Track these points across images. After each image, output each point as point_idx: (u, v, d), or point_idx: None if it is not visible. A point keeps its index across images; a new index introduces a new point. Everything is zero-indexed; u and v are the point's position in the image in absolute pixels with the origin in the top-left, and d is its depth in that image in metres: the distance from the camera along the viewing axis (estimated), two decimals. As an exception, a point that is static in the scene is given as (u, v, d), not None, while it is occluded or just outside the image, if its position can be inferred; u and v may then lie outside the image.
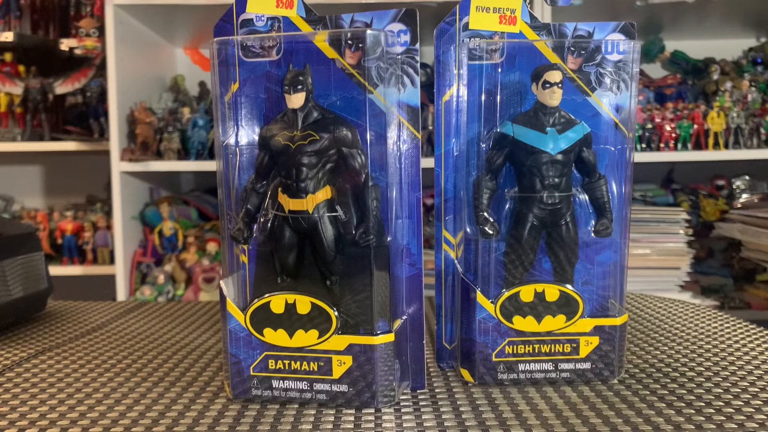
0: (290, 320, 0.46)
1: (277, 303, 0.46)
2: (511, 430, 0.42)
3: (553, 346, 0.50)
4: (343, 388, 0.46)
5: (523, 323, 0.49)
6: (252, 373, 0.47)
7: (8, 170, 2.07)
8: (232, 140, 0.48)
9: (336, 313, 0.45)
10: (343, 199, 0.46)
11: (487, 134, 0.51)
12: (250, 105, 0.48)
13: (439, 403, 0.47)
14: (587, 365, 0.50)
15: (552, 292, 0.49)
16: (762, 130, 1.68)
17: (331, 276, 0.47)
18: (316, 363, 0.46)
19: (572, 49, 0.50)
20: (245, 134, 0.48)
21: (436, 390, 0.50)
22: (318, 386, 0.46)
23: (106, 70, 1.63)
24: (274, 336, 0.46)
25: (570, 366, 0.50)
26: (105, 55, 1.64)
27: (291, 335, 0.46)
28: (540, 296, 0.49)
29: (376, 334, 0.45)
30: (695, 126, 1.67)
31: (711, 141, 1.67)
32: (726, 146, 1.68)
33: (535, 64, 0.50)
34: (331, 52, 0.46)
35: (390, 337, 0.46)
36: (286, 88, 0.46)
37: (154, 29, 1.82)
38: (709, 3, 1.63)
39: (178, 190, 1.99)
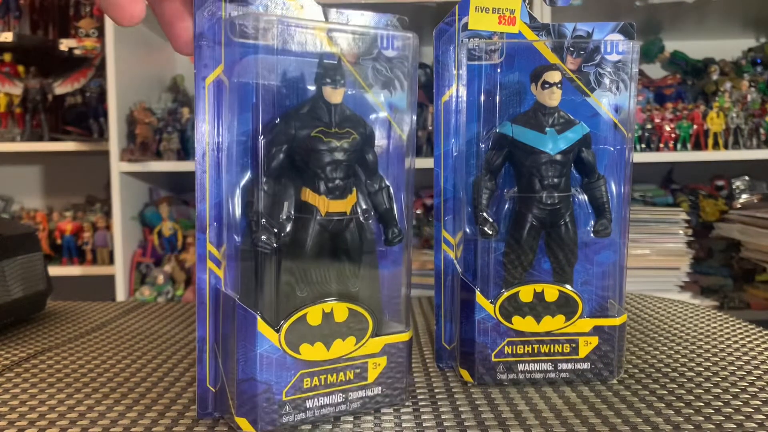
0: (328, 331, 0.43)
1: (314, 314, 0.42)
2: (510, 430, 0.42)
3: (552, 346, 0.50)
4: (377, 390, 0.45)
5: (523, 323, 0.49)
6: (284, 398, 0.42)
7: (7, 170, 2.07)
8: (208, 132, 0.42)
9: (372, 316, 0.44)
10: (359, 199, 0.45)
11: (486, 134, 0.51)
12: (237, 92, 0.42)
13: (439, 403, 0.47)
14: (586, 365, 0.50)
15: (551, 293, 0.50)
16: (761, 131, 1.69)
17: (353, 278, 0.45)
18: (352, 371, 0.44)
19: (571, 49, 0.50)
20: (228, 127, 0.42)
21: (436, 390, 0.50)
22: (353, 395, 0.44)
23: (106, 70, 1.63)
24: (311, 351, 0.42)
25: (569, 366, 0.50)
26: (104, 55, 1.64)
27: (329, 347, 0.43)
28: (539, 296, 0.49)
29: (405, 331, 0.46)
30: (695, 126, 1.68)
31: (710, 141, 1.67)
32: (725, 146, 1.68)
33: (535, 64, 0.50)
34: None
35: (411, 332, 0.46)
36: (329, 81, 0.43)
37: (154, 29, 1.82)
38: (708, 3, 1.64)
39: (177, 190, 1.99)
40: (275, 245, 0.42)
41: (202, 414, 0.44)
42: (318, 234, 0.43)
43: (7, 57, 1.82)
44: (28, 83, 1.76)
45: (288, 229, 0.43)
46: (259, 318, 0.41)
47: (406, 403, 0.47)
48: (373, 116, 0.45)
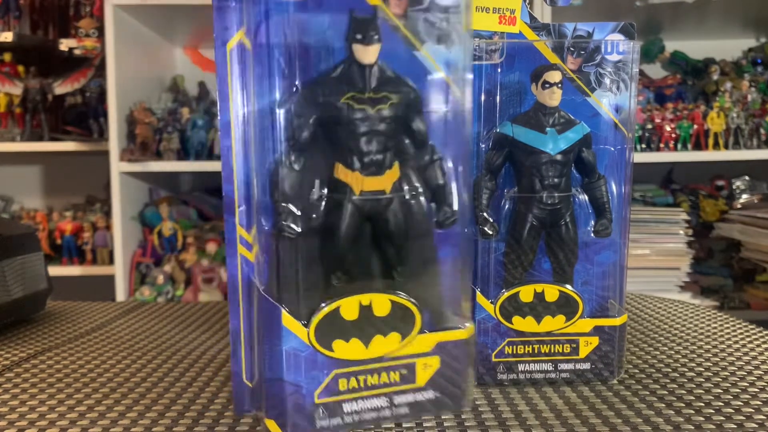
0: (366, 326, 0.38)
1: (349, 307, 0.38)
2: (510, 430, 0.42)
3: (552, 346, 0.50)
4: (429, 395, 0.40)
5: (523, 323, 0.49)
6: (317, 400, 0.38)
7: (7, 170, 2.07)
8: (239, 105, 0.38)
9: (420, 310, 0.39)
10: (407, 175, 0.40)
11: (487, 134, 0.51)
12: (266, 57, 0.36)
13: (439, 403, 0.47)
14: (587, 365, 0.50)
15: (551, 293, 0.49)
16: (762, 131, 1.68)
17: (398, 267, 0.40)
18: (397, 372, 0.39)
19: (572, 49, 0.50)
20: (255, 97, 0.37)
21: (436, 390, 0.49)
22: (399, 399, 0.40)
23: (106, 70, 1.63)
24: (346, 349, 0.38)
25: (569, 366, 0.50)
26: (104, 55, 1.64)
27: (367, 344, 0.38)
28: (539, 296, 0.49)
29: (464, 327, 0.40)
30: (695, 126, 1.67)
31: (711, 141, 1.67)
32: (726, 146, 1.68)
33: (535, 64, 0.50)
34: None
35: (473, 327, 0.41)
36: (360, 37, 0.37)
37: (154, 29, 1.82)
38: (709, 3, 1.63)
39: (177, 190, 1.99)
40: (299, 230, 0.37)
41: (240, 410, 0.41)
42: (352, 216, 0.38)
43: (7, 57, 1.82)
44: (28, 83, 1.76)
45: (320, 210, 0.38)
46: (284, 311, 0.37)
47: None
48: (427, 77, 0.39)
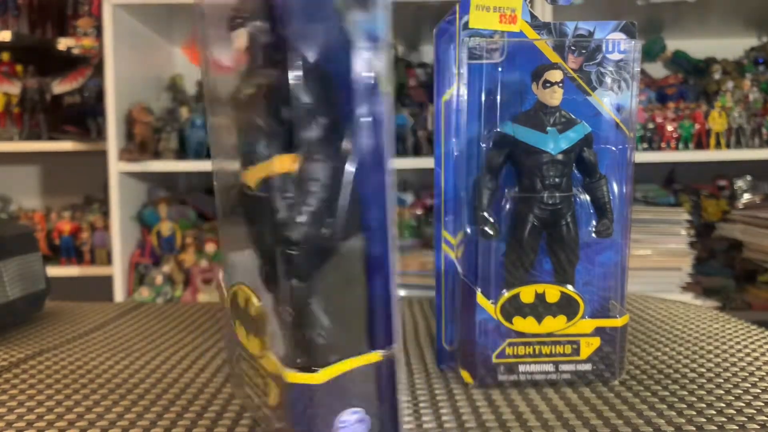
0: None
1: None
2: (511, 431, 0.41)
3: (553, 347, 0.50)
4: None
5: (524, 324, 0.49)
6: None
7: (5, 170, 2.07)
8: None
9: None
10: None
11: (488, 134, 0.50)
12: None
13: (439, 404, 0.46)
14: (588, 366, 0.50)
15: (552, 293, 0.49)
16: (764, 130, 1.68)
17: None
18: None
19: (573, 48, 0.50)
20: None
21: (436, 392, 0.49)
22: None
23: (104, 69, 1.62)
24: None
25: (571, 367, 0.50)
26: (103, 55, 1.64)
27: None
28: (540, 297, 0.49)
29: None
30: (697, 126, 1.67)
31: (713, 141, 1.67)
32: (728, 146, 1.67)
33: (536, 63, 0.49)
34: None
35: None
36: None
37: (152, 28, 1.82)
38: (710, 2, 1.63)
39: (176, 190, 1.98)
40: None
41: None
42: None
43: (5, 56, 1.81)
44: (26, 82, 1.75)
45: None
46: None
47: (406, 406, 0.46)
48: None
